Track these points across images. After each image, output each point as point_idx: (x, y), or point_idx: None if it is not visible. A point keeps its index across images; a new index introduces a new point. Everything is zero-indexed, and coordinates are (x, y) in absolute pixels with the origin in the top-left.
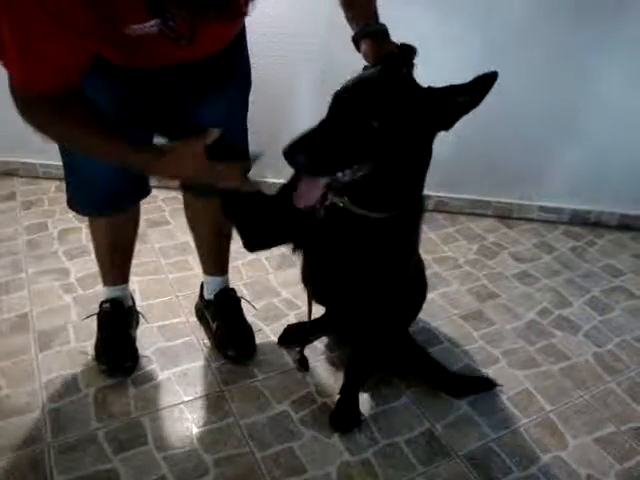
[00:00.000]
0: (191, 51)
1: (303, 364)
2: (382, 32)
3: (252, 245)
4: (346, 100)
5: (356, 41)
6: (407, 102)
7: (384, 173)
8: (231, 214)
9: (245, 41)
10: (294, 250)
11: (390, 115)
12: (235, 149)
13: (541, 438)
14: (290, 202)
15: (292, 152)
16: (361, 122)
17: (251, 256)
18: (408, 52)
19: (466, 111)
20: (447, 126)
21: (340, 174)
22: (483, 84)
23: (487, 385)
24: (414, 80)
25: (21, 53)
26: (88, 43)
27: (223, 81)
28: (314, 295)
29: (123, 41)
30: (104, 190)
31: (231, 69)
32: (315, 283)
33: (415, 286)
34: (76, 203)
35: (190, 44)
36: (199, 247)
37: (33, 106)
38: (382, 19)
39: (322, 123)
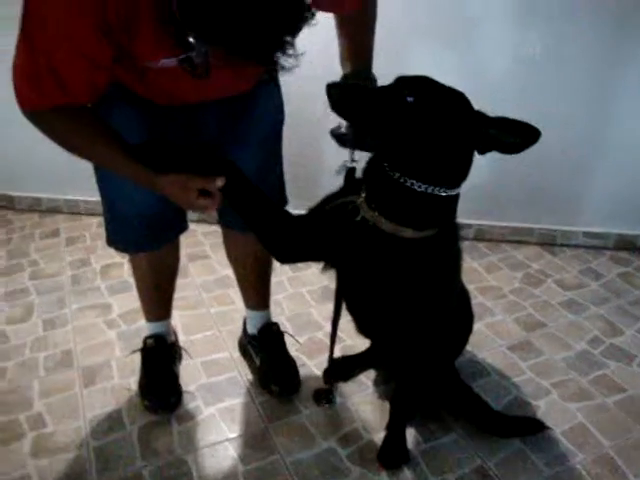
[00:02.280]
0: (212, 88)
1: (325, 398)
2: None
3: (282, 258)
4: (400, 81)
5: None
6: (446, 103)
7: (410, 164)
8: (255, 228)
9: (277, 78)
10: (325, 269)
11: (427, 102)
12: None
13: (600, 476)
14: (318, 223)
15: (332, 89)
16: (398, 93)
17: (293, 289)
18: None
19: (497, 149)
20: (480, 149)
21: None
22: (524, 137)
23: (536, 427)
24: (466, 99)
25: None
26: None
27: (254, 118)
28: (355, 323)
29: (143, 74)
30: (142, 227)
31: (261, 106)
32: (349, 304)
33: (459, 318)
34: (115, 240)
35: (204, 77)
36: (240, 281)
37: (42, 117)
38: None
39: (371, 87)
